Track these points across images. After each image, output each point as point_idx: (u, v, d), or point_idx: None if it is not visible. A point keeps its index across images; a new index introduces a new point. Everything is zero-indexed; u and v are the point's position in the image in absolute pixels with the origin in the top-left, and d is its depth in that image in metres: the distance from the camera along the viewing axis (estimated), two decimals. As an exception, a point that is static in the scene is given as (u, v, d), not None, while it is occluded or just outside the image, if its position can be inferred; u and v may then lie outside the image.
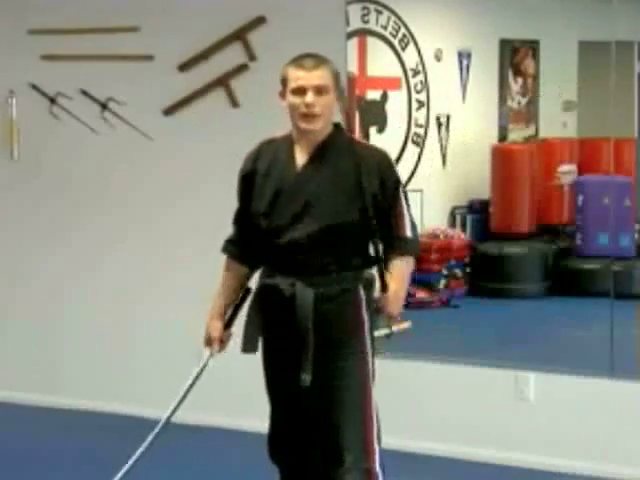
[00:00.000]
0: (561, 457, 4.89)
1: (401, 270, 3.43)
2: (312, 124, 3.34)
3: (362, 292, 3.42)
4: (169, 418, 3.71)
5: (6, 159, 5.99)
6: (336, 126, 3.44)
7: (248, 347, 3.48)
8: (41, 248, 6.02)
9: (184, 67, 5.55)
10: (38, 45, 5.79)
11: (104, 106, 5.74)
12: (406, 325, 5.85)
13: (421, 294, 6.37)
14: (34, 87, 5.87)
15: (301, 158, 3.40)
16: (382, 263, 3.41)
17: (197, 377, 3.62)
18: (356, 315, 3.41)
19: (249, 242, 3.50)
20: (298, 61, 3.35)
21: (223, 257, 3.65)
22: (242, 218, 3.53)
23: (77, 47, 5.71)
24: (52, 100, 5.84)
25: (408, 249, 3.43)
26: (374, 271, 3.46)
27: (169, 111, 5.62)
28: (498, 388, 5.04)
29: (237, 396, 5.37)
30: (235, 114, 5.47)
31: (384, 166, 3.40)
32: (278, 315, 3.41)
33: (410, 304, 6.31)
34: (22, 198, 6.05)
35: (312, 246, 3.35)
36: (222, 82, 5.47)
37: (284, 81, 3.37)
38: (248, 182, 3.47)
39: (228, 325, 3.57)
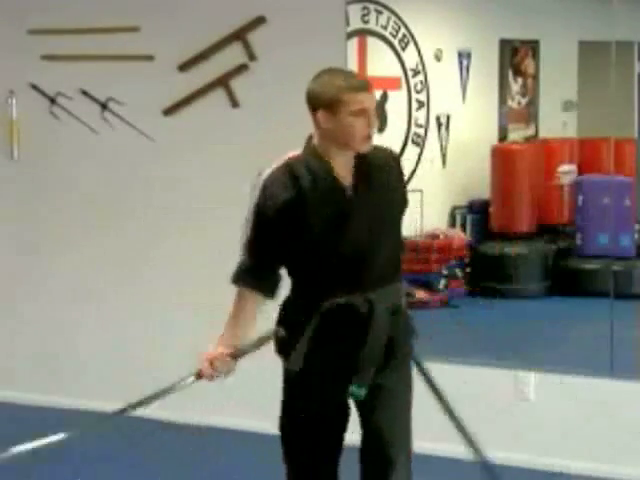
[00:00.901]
0: (561, 457, 4.90)
1: None
2: (369, 145, 3.28)
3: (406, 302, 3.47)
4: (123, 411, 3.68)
5: (6, 159, 5.99)
6: None
7: (297, 363, 3.31)
8: (41, 247, 6.02)
9: (184, 67, 5.55)
10: (38, 45, 5.79)
11: (104, 106, 5.74)
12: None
13: (421, 294, 6.37)
14: (34, 87, 5.87)
15: (345, 175, 3.28)
16: None
17: (168, 391, 3.44)
18: (408, 325, 3.45)
19: (272, 271, 3.34)
20: (349, 81, 3.25)
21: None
22: (268, 249, 3.32)
23: (77, 47, 5.72)
24: (52, 100, 5.84)
25: None
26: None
27: (169, 111, 5.62)
28: (498, 388, 5.04)
29: (237, 396, 5.37)
30: (235, 114, 5.47)
31: (397, 163, 3.45)
32: (347, 332, 3.30)
33: (410, 304, 6.34)
34: (22, 198, 6.05)
35: (383, 265, 3.31)
36: (222, 82, 5.47)
37: (335, 103, 3.20)
38: (291, 212, 3.23)
39: (236, 356, 3.35)
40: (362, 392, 3.29)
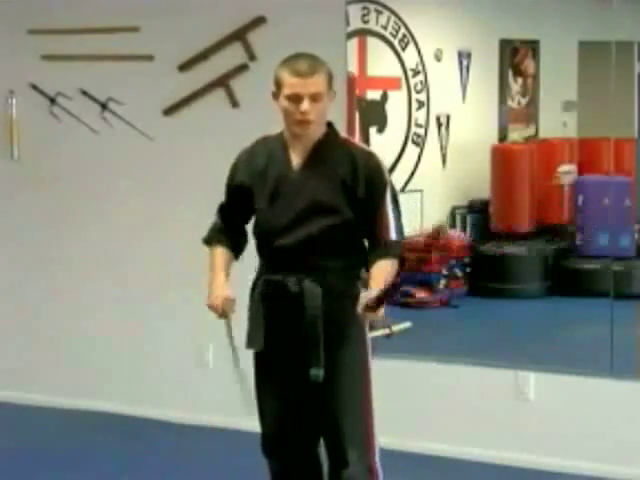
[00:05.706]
0: (561, 457, 4.90)
1: (382, 271, 3.34)
2: (306, 129, 3.37)
3: (361, 290, 3.43)
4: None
5: (6, 159, 5.99)
6: (329, 125, 3.46)
7: (255, 343, 3.46)
8: (41, 248, 6.02)
9: (184, 67, 5.55)
10: (38, 45, 5.79)
11: (104, 106, 5.74)
12: (406, 325, 5.88)
13: (421, 294, 6.37)
14: (34, 87, 5.87)
15: (297, 158, 3.42)
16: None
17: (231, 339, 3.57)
18: (356, 313, 3.42)
19: (237, 232, 3.61)
20: (293, 65, 3.34)
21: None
22: (229, 210, 3.63)
23: (77, 47, 5.72)
24: (52, 100, 5.84)
25: (390, 253, 3.38)
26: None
27: (169, 111, 5.62)
28: (498, 388, 5.04)
29: (237, 396, 5.37)
30: (235, 114, 5.47)
31: (372, 168, 3.40)
32: (283, 311, 3.42)
33: (410, 304, 6.35)
34: (22, 198, 6.05)
35: (314, 246, 3.38)
36: (222, 82, 5.47)
37: (278, 84, 3.37)
38: (242, 176, 3.52)
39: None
40: (320, 373, 3.33)
